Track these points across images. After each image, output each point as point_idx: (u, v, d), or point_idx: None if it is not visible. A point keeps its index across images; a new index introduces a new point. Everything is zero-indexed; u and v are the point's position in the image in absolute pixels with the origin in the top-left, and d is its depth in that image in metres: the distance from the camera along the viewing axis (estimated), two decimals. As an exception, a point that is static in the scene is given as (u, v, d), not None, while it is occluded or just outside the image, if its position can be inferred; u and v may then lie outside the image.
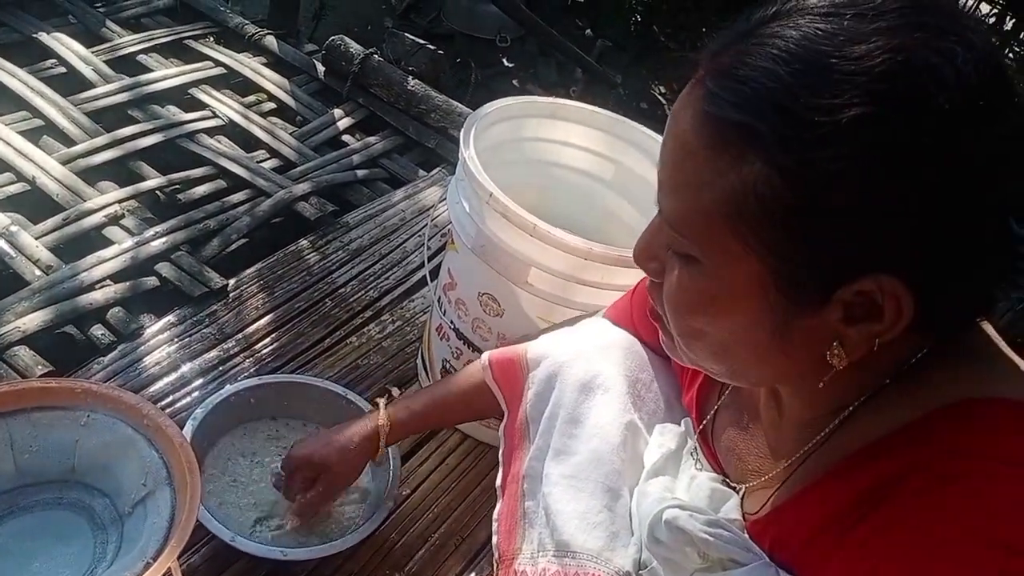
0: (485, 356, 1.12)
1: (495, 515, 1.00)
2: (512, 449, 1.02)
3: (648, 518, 0.80)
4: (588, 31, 4.61)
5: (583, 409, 0.95)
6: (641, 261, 0.71)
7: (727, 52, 0.59)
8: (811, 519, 0.66)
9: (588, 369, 0.97)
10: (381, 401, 1.22)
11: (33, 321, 1.54)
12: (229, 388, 1.37)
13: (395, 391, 1.61)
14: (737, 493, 0.80)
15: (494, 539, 0.98)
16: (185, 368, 1.54)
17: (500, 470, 1.03)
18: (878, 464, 0.61)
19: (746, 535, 0.74)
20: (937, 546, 0.55)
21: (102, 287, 1.67)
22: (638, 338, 1.04)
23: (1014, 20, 4.78)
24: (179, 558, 1.05)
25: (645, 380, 0.98)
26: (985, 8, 4.84)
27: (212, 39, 2.61)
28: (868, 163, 0.52)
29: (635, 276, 1.21)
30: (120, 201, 1.88)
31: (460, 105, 2.39)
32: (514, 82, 4.06)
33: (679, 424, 0.93)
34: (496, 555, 0.96)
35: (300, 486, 1.22)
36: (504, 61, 4.15)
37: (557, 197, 1.56)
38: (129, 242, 1.77)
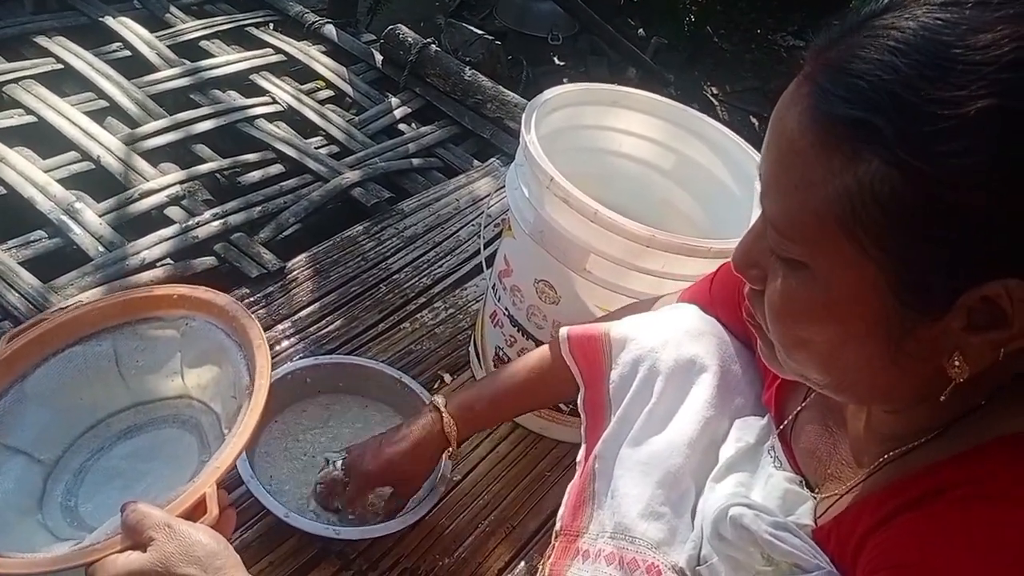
0: (563, 331, 1.09)
1: (569, 487, 0.98)
2: (592, 427, 1.00)
3: (715, 513, 0.78)
4: (640, 31, 4.59)
5: (668, 398, 0.92)
6: (741, 268, 0.67)
7: (836, 47, 0.56)
8: (862, 528, 0.65)
9: (679, 357, 0.94)
10: (439, 401, 1.18)
11: (94, 296, 1.56)
12: (286, 367, 1.38)
13: (447, 377, 1.61)
14: (814, 498, 0.77)
15: (560, 510, 0.96)
16: (241, 347, 1.55)
17: (583, 444, 1.02)
18: (932, 479, 0.60)
19: (812, 541, 0.72)
20: (950, 544, 0.55)
21: (162, 265, 1.69)
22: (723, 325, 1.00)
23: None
24: (234, 533, 1.01)
25: (736, 372, 0.95)
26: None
27: (272, 27, 2.65)
28: (997, 158, 0.49)
29: (696, 265, 1.19)
30: (181, 182, 1.91)
31: (516, 96, 2.38)
32: (564, 80, 4.05)
33: (763, 418, 0.91)
34: (558, 526, 0.95)
35: (371, 495, 1.20)
36: (555, 59, 4.15)
37: (614, 186, 1.54)
38: (189, 222, 1.79)
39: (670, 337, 0.97)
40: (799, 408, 0.84)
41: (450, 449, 1.18)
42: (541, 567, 0.95)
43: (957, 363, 0.56)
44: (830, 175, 0.54)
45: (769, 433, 0.87)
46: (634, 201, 1.55)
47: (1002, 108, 0.49)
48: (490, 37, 2.69)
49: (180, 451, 1.06)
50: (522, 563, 1.33)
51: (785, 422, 0.86)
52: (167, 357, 1.10)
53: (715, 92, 4.33)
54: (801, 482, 0.80)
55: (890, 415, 0.69)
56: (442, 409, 1.16)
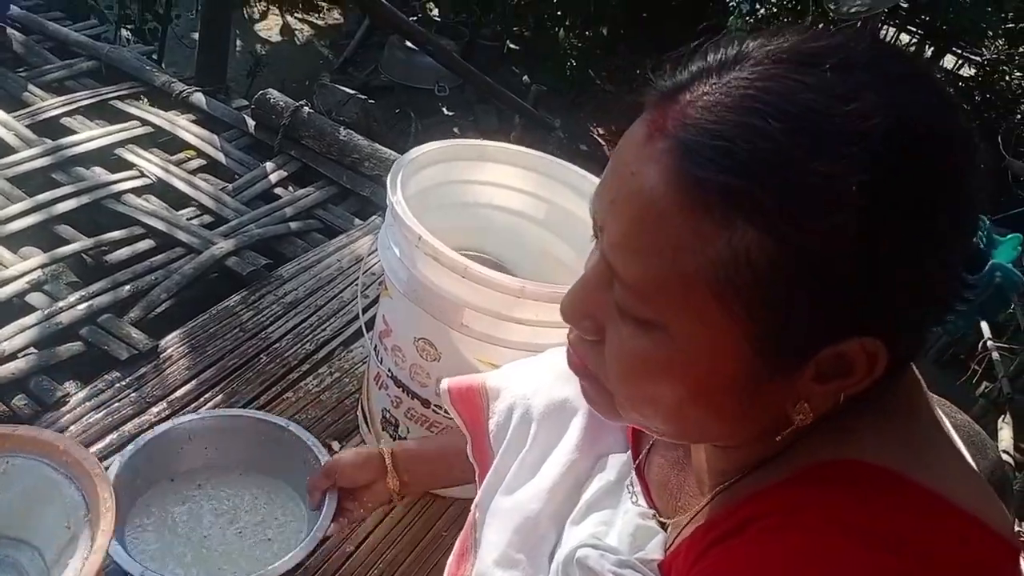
0: (444, 383, 1.08)
1: (459, 537, 0.97)
2: (482, 475, 0.99)
3: (563, 556, 0.78)
4: (525, 77, 4.68)
5: (540, 443, 0.92)
6: (574, 319, 0.64)
7: (686, 94, 0.54)
8: (691, 559, 0.65)
9: (550, 401, 0.94)
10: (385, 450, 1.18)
11: (-51, 396, 1.47)
12: (160, 428, 1.28)
13: (335, 445, 1.57)
14: (665, 531, 0.77)
15: (449, 559, 0.95)
16: (113, 436, 1.47)
17: (477, 493, 1.01)
18: (746, 509, 0.61)
19: None
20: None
21: (25, 355, 1.60)
22: None
23: (932, 48, 4.97)
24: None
25: None
26: (905, 38, 5.03)
27: (139, 99, 2.58)
28: (868, 229, 0.49)
29: (570, 312, 1.20)
30: (43, 266, 1.82)
31: (393, 152, 2.38)
32: (455, 129, 4.09)
33: (626, 454, 0.90)
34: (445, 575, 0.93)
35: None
36: (444, 110, 4.19)
37: (491, 239, 1.54)
38: (52, 308, 1.70)
39: (541, 382, 0.97)
40: (652, 441, 0.85)
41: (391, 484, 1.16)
42: None
43: (803, 409, 0.58)
44: (701, 241, 0.52)
45: (630, 468, 0.87)
46: (513, 252, 1.56)
47: (879, 182, 0.49)
48: (363, 96, 2.69)
49: None
50: (421, 630, 1.30)
51: (640, 456, 0.86)
52: None
53: (601, 133, 4.44)
54: (653, 515, 0.80)
55: (722, 449, 0.69)
56: (387, 455, 1.16)
